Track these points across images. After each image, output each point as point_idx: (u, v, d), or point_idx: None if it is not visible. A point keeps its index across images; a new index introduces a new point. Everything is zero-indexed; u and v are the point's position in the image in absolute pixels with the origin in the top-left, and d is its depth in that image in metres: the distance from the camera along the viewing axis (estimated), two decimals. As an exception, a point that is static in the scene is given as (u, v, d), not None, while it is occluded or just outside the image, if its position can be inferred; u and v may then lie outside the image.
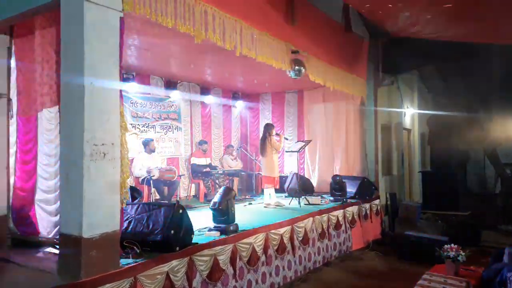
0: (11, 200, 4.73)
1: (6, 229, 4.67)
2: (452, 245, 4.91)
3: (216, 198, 4.84)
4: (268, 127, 7.40)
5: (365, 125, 8.84)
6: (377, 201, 8.41)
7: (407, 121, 11.57)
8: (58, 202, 4.22)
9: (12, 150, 4.78)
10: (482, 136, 12.02)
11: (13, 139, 4.77)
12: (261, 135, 7.82)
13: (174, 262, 3.80)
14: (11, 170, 4.76)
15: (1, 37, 4.70)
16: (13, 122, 4.77)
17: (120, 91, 3.55)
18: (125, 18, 3.60)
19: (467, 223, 8.29)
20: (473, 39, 7.59)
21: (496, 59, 10.45)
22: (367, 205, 7.95)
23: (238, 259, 4.64)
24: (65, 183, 3.39)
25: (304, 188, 7.83)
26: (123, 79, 3.67)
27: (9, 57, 4.74)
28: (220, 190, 4.97)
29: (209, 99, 9.33)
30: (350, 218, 7.30)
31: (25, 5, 3.97)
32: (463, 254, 4.79)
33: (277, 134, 7.49)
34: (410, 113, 11.68)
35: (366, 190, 8.08)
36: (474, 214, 8.92)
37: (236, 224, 4.89)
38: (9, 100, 4.74)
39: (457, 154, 13.13)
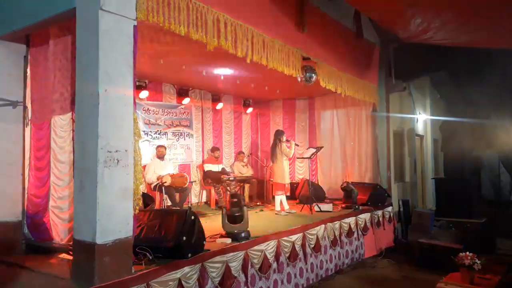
0: (25, 206, 4.79)
1: (21, 235, 4.73)
2: (467, 253, 4.83)
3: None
4: (278, 134, 7.40)
5: (377, 131, 8.78)
6: (389, 208, 8.33)
7: (420, 127, 11.46)
8: (71, 209, 4.27)
9: (27, 156, 4.85)
10: (497, 142, 11.85)
11: (27, 146, 4.85)
12: (271, 141, 7.81)
13: (186, 269, 3.80)
14: (26, 177, 4.84)
15: (19, 46, 4.80)
16: (28, 129, 4.85)
17: (134, 98, 3.59)
18: (139, 26, 3.65)
19: (482, 230, 8.14)
20: (486, 46, 7.51)
21: (510, 64, 10.31)
22: (379, 212, 7.87)
23: (249, 266, 4.62)
24: (79, 189, 3.42)
25: (315, 195, 7.79)
26: (136, 86, 3.69)
27: (26, 65, 4.83)
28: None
29: (220, 106, 9.38)
30: (362, 226, 7.23)
31: (42, 15, 4.04)
32: (478, 262, 4.70)
33: (287, 141, 7.48)
34: (422, 119, 11.58)
35: (379, 197, 8.01)
36: (489, 221, 8.76)
37: (248, 231, 4.88)
38: (25, 107, 4.82)
39: (471, 161, 12.96)
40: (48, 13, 3.98)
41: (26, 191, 4.80)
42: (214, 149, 8.84)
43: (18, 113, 4.80)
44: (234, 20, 4.74)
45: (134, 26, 3.59)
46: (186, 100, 8.47)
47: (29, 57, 4.83)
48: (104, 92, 3.31)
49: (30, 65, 4.82)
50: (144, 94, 7.49)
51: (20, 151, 4.81)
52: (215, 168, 8.63)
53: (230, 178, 8.40)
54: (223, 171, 8.58)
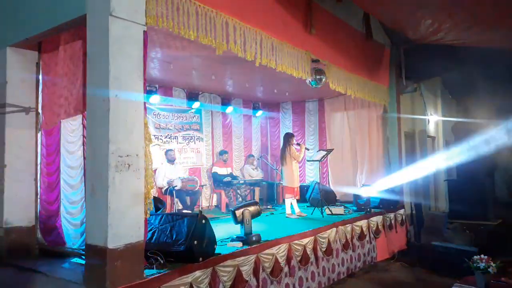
0: (38, 211, 4.84)
1: (34, 240, 4.78)
2: (482, 255, 4.74)
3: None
4: (288, 137, 7.37)
5: (388, 133, 8.70)
6: (402, 211, 8.24)
7: (431, 129, 11.34)
8: (82, 213, 4.31)
9: (39, 162, 4.91)
10: (511, 142, 11.65)
11: (40, 151, 4.91)
12: (281, 144, 7.80)
13: (198, 273, 3.80)
14: (38, 182, 4.89)
15: (31, 53, 4.87)
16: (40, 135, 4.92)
17: (144, 103, 3.61)
18: (149, 32, 3.67)
19: (497, 232, 8.01)
20: (498, 45, 7.41)
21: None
22: (391, 215, 7.79)
23: (261, 270, 4.60)
24: (90, 194, 3.44)
25: (326, 197, 7.74)
26: (147, 91, 3.71)
27: (38, 72, 4.90)
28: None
29: (230, 109, 9.39)
30: (374, 228, 7.16)
31: (53, 22, 4.10)
32: (493, 265, 4.61)
33: (297, 144, 7.45)
34: (434, 120, 11.46)
35: (391, 199, 7.92)
36: (504, 223, 8.62)
37: (259, 234, 4.86)
38: (38, 113, 4.88)
39: (484, 162, 12.75)
40: (59, 20, 4.03)
41: (38, 196, 4.86)
42: (222, 153, 8.86)
43: (31, 119, 4.86)
44: (243, 24, 4.75)
45: (144, 31, 3.61)
46: (196, 104, 8.51)
47: (41, 64, 4.90)
48: (115, 97, 3.33)
49: (42, 71, 4.89)
50: (154, 98, 7.54)
51: (33, 157, 4.86)
52: (223, 171, 8.65)
53: (240, 182, 8.41)
54: (231, 176, 8.60)
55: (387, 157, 8.64)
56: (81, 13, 3.67)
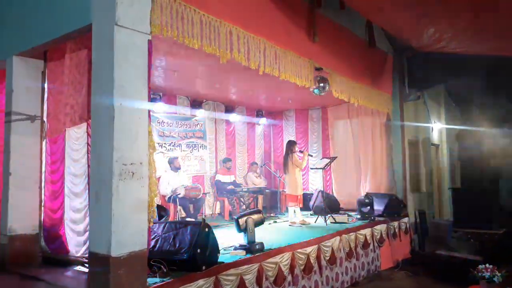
0: (42, 219, 4.85)
1: (38, 247, 4.78)
2: (487, 265, 4.71)
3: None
4: (290, 144, 7.36)
5: (392, 140, 8.69)
6: (406, 219, 8.20)
7: (435, 136, 11.31)
8: (85, 221, 4.32)
9: (43, 170, 4.93)
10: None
11: (44, 159, 4.93)
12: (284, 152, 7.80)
13: (201, 282, 3.78)
14: (42, 190, 4.91)
15: (37, 62, 4.93)
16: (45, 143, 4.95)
17: (149, 111, 3.62)
18: (153, 41, 3.70)
19: (502, 241, 7.94)
20: (501, 53, 7.42)
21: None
22: (395, 223, 7.75)
23: (264, 279, 4.57)
24: (94, 202, 3.45)
25: (330, 206, 7.71)
26: (151, 99, 3.73)
27: (43, 80, 4.95)
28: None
29: (233, 117, 9.43)
30: (378, 237, 7.12)
31: (59, 31, 4.16)
32: (499, 274, 4.59)
33: (300, 151, 7.43)
34: (437, 128, 11.43)
35: (395, 207, 7.90)
36: (510, 232, 8.55)
37: (262, 242, 4.84)
38: (43, 121, 4.92)
39: (489, 170, 12.69)
40: (65, 30, 4.09)
41: (43, 204, 4.87)
42: (226, 160, 8.87)
43: (36, 128, 4.90)
44: (247, 33, 4.78)
45: (149, 40, 3.63)
46: (200, 112, 8.54)
47: (46, 72, 4.95)
48: (120, 106, 3.35)
49: (47, 80, 4.94)
50: (158, 106, 7.57)
51: (37, 165, 4.89)
52: (226, 179, 8.65)
53: (244, 189, 8.41)
54: (234, 184, 8.60)
55: (391, 165, 8.62)
56: (86, 23, 3.72)
